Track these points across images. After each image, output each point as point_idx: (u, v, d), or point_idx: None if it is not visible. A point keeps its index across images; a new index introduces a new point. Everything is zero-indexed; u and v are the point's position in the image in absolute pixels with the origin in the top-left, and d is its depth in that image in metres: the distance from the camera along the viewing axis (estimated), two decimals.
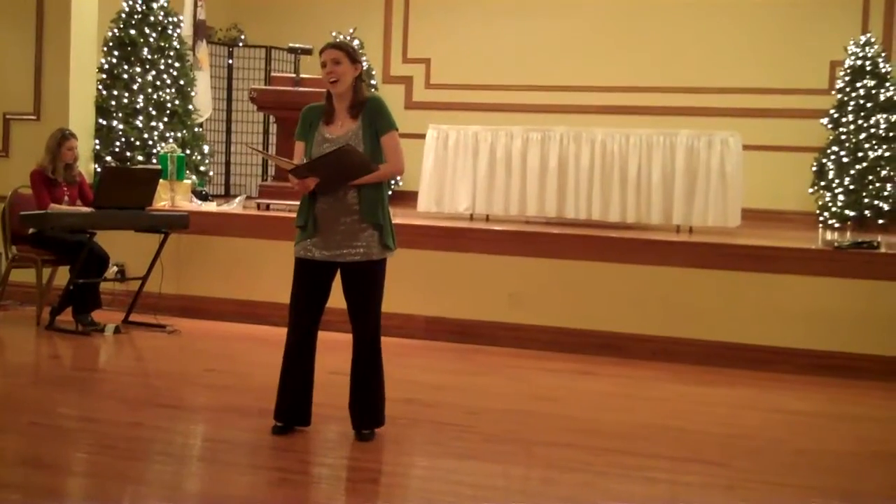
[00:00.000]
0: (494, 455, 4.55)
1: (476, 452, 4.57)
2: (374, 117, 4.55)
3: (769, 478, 4.35)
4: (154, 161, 9.05)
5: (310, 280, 4.59)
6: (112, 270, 7.78)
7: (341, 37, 11.65)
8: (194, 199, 8.97)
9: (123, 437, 4.59)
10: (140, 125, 9.29)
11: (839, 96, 10.67)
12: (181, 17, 9.99)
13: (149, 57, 9.43)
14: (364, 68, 4.62)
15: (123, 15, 9.44)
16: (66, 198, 7.30)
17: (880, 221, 10.27)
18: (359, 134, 4.51)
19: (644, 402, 5.79)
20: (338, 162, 4.35)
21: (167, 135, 9.42)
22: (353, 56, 4.55)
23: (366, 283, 4.59)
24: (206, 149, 10.12)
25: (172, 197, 8.59)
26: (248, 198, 9.68)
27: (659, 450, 4.71)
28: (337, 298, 4.64)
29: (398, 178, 10.90)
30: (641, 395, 5.98)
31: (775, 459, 4.66)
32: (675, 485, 4.25)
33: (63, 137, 7.34)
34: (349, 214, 4.51)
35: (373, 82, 12.31)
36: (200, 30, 10.41)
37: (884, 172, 10.30)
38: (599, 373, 6.55)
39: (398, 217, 8.46)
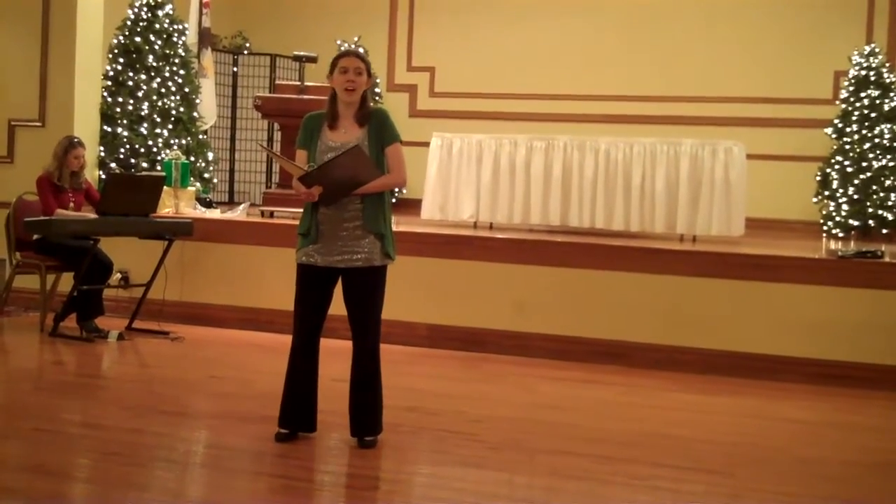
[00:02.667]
0: (498, 463, 4.54)
1: (479, 460, 4.56)
2: (380, 129, 4.59)
3: (772, 487, 4.35)
4: (158, 168, 9.07)
5: (312, 286, 4.61)
6: (116, 277, 7.79)
7: (345, 46, 11.66)
8: (198, 206, 8.98)
9: (127, 444, 4.60)
10: (145, 132, 9.31)
11: (843, 106, 10.68)
12: (186, 25, 10.02)
13: (154, 64, 9.46)
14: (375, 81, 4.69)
15: (129, 22, 9.48)
16: (71, 204, 7.32)
17: (884, 231, 10.25)
18: (364, 143, 4.53)
19: (648, 411, 5.78)
20: (347, 166, 4.35)
21: (172, 142, 9.44)
22: (370, 70, 4.65)
23: (367, 289, 4.60)
24: (210, 156, 10.15)
25: (176, 204, 8.60)
26: (252, 205, 9.69)
27: (662, 458, 4.71)
28: (340, 306, 4.65)
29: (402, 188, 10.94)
30: (645, 404, 5.97)
31: (778, 468, 4.65)
32: (679, 493, 4.24)
33: (71, 145, 7.35)
34: (351, 221, 4.53)
35: (377, 90, 12.33)
36: (205, 37, 10.43)
37: (888, 182, 10.29)
38: (603, 381, 6.55)
39: (402, 225, 8.49)
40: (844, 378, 6.63)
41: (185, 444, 4.80)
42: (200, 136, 10.02)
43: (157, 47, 9.49)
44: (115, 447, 4.53)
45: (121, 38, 9.44)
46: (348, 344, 4.65)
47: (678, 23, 11.77)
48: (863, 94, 10.52)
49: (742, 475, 4.51)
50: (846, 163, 10.46)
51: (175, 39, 9.68)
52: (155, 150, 9.31)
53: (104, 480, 4.13)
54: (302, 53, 9.19)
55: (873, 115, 10.45)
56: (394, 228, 4.72)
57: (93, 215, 7.24)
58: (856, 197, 10.36)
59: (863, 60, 10.62)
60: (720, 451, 4.94)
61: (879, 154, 10.35)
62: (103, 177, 8.91)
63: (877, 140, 10.37)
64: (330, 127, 4.61)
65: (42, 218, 7.09)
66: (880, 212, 10.26)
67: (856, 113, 10.53)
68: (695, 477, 4.45)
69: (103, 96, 9.29)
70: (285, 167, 4.88)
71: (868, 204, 10.31)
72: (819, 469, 4.73)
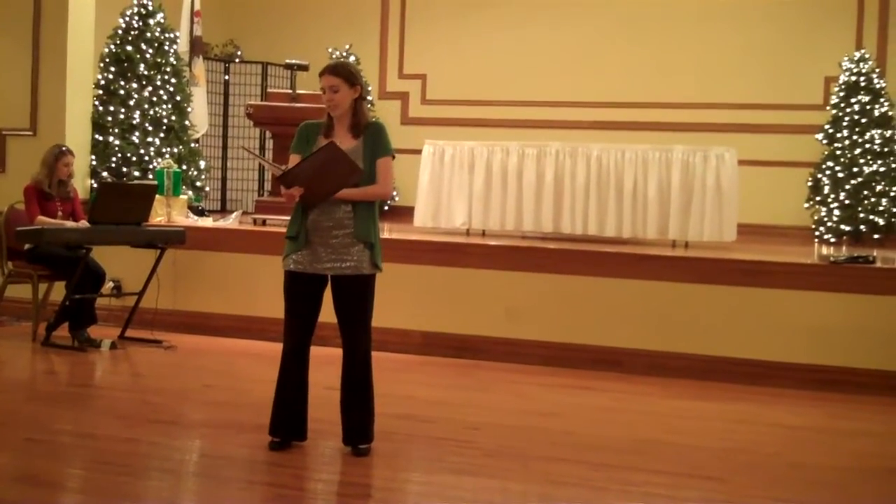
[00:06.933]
0: (492, 470, 4.54)
1: (474, 468, 4.56)
2: (375, 141, 4.62)
3: (766, 492, 4.35)
4: (150, 177, 9.05)
5: (300, 293, 4.62)
6: (108, 286, 7.76)
7: (337, 54, 11.67)
8: (190, 215, 8.97)
9: (120, 453, 4.58)
10: (136, 141, 9.30)
11: (834, 112, 10.72)
12: (177, 34, 10.01)
13: (145, 73, 9.44)
14: (364, 88, 4.67)
15: (120, 31, 9.46)
16: (59, 212, 7.30)
17: (876, 236, 10.30)
18: (359, 153, 4.55)
19: (641, 417, 5.78)
20: (323, 162, 4.37)
21: (163, 150, 9.42)
22: (351, 80, 4.59)
23: (355, 297, 4.61)
24: (202, 164, 10.13)
25: (169, 212, 8.59)
26: (245, 213, 9.68)
27: (657, 465, 4.71)
28: (332, 313, 4.64)
29: (391, 199, 10.94)
30: (639, 410, 5.98)
31: (772, 474, 4.66)
32: (674, 500, 4.24)
33: (60, 153, 7.35)
34: (341, 229, 4.55)
35: (369, 98, 12.32)
36: (197, 46, 10.43)
37: (879, 187, 10.33)
38: (597, 388, 6.55)
39: (394, 232, 8.50)
40: (837, 383, 6.65)
41: (179, 454, 4.78)
42: (192, 145, 10.01)
43: (148, 56, 9.47)
44: (108, 457, 4.52)
45: (112, 47, 9.42)
46: (340, 352, 4.65)
47: (669, 30, 11.81)
48: (853, 100, 10.57)
49: (736, 481, 4.51)
50: (837, 168, 10.50)
51: (166, 48, 9.67)
52: (147, 158, 9.30)
53: (97, 491, 4.11)
54: (293, 61, 9.19)
55: (864, 120, 10.50)
56: (384, 237, 4.73)
57: (78, 224, 7.23)
58: (847, 202, 10.39)
59: (853, 66, 10.67)
60: (714, 456, 4.94)
61: (870, 159, 10.40)
62: (95, 185, 8.89)
63: (867, 145, 10.42)
64: (325, 136, 4.63)
65: (34, 227, 7.07)
66: (872, 217, 10.30)
67: (846, 118, 10.57)
68: (689, 483, 4.45)
69: (95, 105, 9.28)
70: (270, 170, 4.90)
71: (859, 209, 10.35)
72: (813, 475, 4.73)
